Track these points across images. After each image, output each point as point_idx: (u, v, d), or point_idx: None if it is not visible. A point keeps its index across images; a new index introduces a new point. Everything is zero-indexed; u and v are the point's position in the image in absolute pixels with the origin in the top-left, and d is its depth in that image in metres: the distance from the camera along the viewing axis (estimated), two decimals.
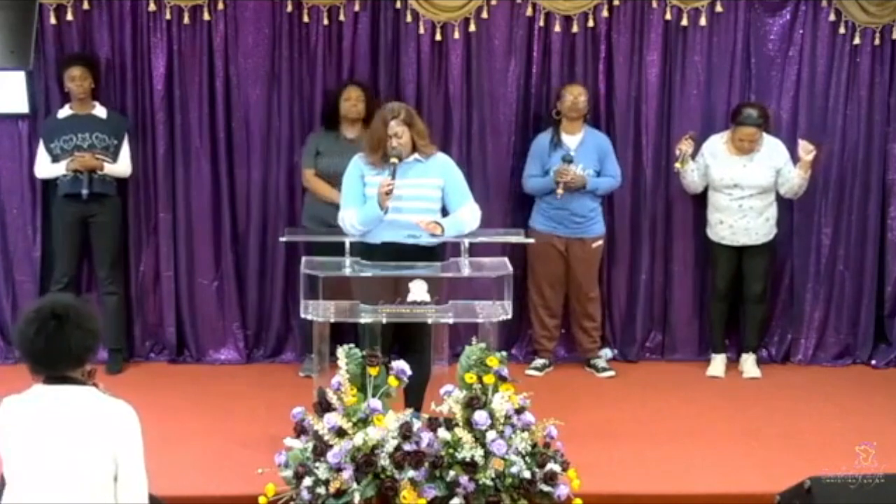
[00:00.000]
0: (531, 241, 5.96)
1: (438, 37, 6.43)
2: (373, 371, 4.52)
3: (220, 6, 6.34)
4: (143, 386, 5.98)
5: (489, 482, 4.41)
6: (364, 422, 4.43)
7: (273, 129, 6.50)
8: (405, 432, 4.40)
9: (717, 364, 6.59)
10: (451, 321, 5.05)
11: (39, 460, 3.20)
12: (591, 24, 6.47)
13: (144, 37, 6.37)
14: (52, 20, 6.28)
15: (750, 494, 4.84)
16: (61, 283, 6.24)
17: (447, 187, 5.21)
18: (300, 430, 4.57)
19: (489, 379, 4.56)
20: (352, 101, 6.18)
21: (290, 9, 6.37)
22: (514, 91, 6.54)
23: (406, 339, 5.16)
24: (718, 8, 6.48)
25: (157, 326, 6.65)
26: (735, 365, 6.62)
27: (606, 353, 6.67)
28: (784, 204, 6.55)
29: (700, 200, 6.56)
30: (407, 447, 4.39)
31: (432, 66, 6.49)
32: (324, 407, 4.50)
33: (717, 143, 6.41)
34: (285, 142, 6.50)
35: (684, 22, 6.49)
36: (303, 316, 5.07)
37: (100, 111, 6.27)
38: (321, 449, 4.41)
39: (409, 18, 6.39)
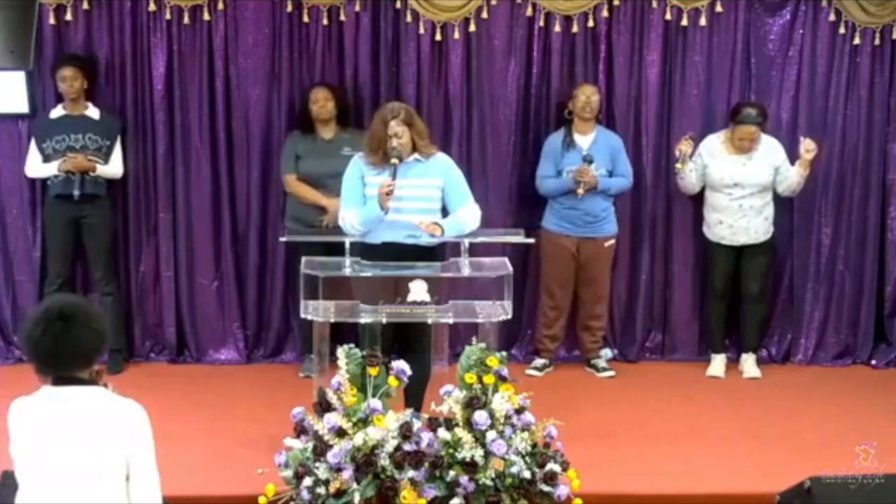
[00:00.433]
0: (531, 241, 5.93)
1: (438, 37, 6.43)
2: (373, 371, 4.52)
3: (220, 6, 6.34)
4: (143, 386, 5.91)
5: (489, 482, 4.41)
6: (364, 422, 4.43)
7: (273, 129, 6.49)
8: (405, 432, 4.40)
9: (717, 364, 6.59)
10: (451, 321, 5.05)
11: (52, 461, 3.19)
12: (591, 24, 6.47)
13: (144, 37, 6.37)
14: (52, 20, 6.28)
15: (750, 494, 4.84)
16: (55, 284, 6.25)
17: (447, 187, 5.21)
18: (300, 430, 4.57)
19: (489, 379, 4.55)
20: (320, 103, 6.19)
21: (290, 9, 6.37)
22: (514, 91, 6.53)
23: (406, 340, 5.16)
24: (718, 8, 6.48)
25: (157, 326, 6.65)
26: (735, 365, 6.62)
27: (606, 353, 6.66)
28: (784, 203, 6.55)
29: (700, 200, 6.56)
30: (407, 447, 4.38)
31: (432, 66, 6.48)
32: (324, 407, 4.49)
33: (715, 143, 6.40)
34: None
35: (684, 22, 6.49)
36: (303, 316, 5.07)
37: (93, 112, 6.27)
38: (321, 449, 4.40)
39: (409, 18, 6.39)
